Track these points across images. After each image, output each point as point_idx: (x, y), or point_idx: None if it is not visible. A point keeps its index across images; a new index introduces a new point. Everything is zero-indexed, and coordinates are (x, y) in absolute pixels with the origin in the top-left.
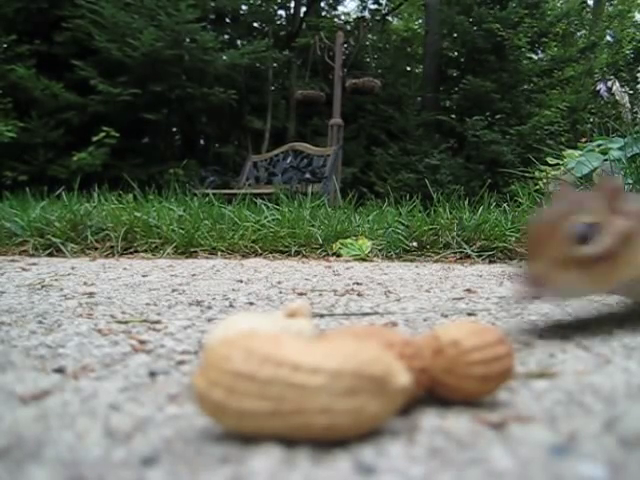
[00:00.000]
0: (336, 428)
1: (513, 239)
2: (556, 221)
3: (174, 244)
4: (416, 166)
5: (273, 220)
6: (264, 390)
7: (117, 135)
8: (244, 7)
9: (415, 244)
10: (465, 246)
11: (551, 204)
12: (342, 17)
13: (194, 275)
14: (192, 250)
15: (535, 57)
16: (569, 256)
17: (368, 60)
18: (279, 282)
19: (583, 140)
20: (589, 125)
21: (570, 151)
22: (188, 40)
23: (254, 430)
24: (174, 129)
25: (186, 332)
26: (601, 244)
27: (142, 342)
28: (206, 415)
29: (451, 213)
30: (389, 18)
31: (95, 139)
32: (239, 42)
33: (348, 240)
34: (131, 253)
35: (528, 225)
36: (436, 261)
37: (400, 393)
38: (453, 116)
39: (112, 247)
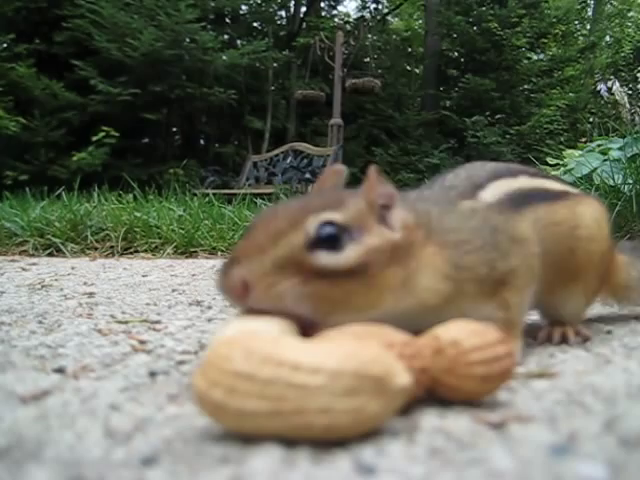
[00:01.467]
0: (336, 428)
1: None
2: (297, 216)
3: (174, 244)
4: (416, 166)
5: None
6: (264, 390)
7: (117, 135)
8: (244, 7)
9: None
10: None
11: (304, 197)
12: (342, 17)
13: (194, 275)
14: (192, 250)
15: (535, 57)
16: (298, 262)
17: (368, 60)
18: None
19: (583, 140)
20: (589, 125)
21: (570, 151)
22: (188, 40)
23: (254, 430)
24: (174, 129)
25: (186, 332)
26: (345, 256)
27: (142, 342)
28: (206, 415)
29: None
30: (389, 18)
31: (95, 139)
32: (239, 42)
33: None
34: (131, 253)
35: (257, 216)
36: None
37: (400, 393)
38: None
39: (112, 247)
